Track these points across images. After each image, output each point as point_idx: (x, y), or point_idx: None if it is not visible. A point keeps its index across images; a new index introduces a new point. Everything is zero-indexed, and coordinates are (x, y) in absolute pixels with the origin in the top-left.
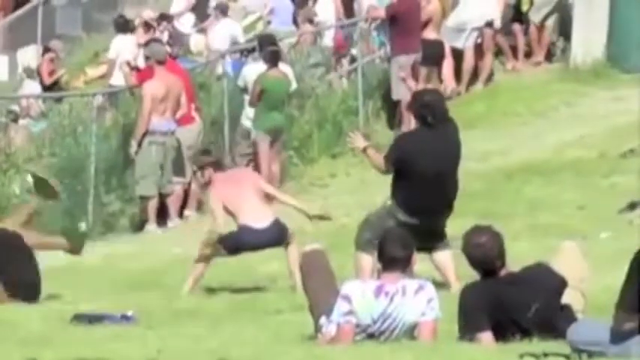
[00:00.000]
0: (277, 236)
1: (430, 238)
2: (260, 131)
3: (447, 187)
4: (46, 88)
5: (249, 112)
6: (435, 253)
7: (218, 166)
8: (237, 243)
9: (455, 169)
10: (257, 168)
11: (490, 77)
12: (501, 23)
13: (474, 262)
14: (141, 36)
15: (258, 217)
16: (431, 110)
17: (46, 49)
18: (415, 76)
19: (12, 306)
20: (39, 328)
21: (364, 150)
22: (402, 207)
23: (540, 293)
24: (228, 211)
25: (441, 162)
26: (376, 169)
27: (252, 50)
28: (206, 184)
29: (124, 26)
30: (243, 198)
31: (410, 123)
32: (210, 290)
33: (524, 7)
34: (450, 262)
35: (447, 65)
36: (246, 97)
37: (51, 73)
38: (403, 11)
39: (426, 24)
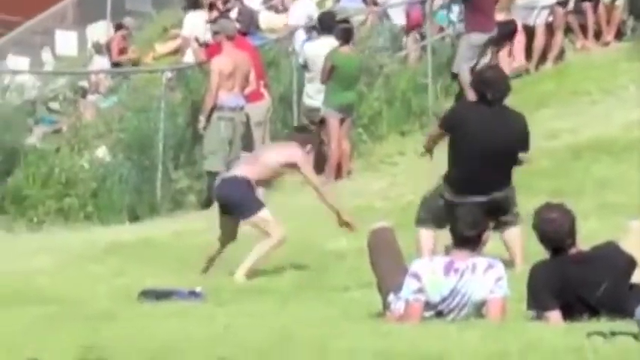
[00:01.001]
0: None
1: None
2: (330, 108)
3: (493, 168)
4: (115, 65)
5: (309, 90)
6: (505, 229)
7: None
8: None
9: (506, 151)
10: (322, 147)
11: (560, 56)
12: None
13: (545, 239)
14: (209, 12)
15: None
16: (490, 87)
17: (119, 26)
18: (485, 54)
19: (79, 278)
20: (105, 305)
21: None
22: (447, 185)
23: (609, 272)
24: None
25: (492, 139)
26: (432, 139)
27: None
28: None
29: (195, 2)
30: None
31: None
32: (278, 268)
33: None
34: (518, 240)
35: (519, 41)
36: (307, 75)
37: (122, 50)
38: None
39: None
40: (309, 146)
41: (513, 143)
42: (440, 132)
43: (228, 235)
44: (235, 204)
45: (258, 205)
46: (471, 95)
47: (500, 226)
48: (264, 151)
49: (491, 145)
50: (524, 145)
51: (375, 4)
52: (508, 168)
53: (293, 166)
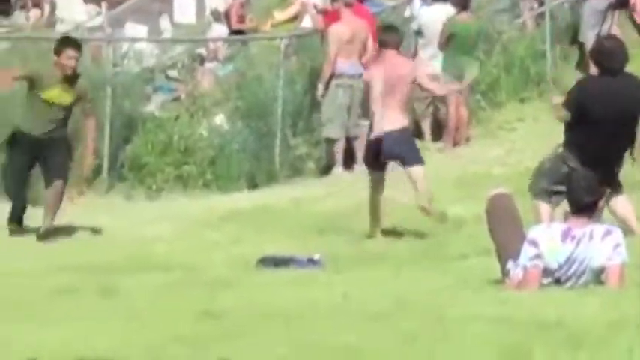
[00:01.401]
0: None
1: (603, 183)
2: (448, 76)
3: (620, 138)
4: (233, 32)
5: (424, 57)
6: (612, 200)
7: None
8: None
9: (632, 120)
10: (437, 112)
11: None
12: None
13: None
14: None
15: None
16: (609, 57)
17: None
18: (607, 19)
19: (198, 245)
20: (223, 273)
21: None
22: (573, 154)
23: None
24: None
25: (618, 110)
26: (559, 119)
27: None
28: None
29: None
30: None
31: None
32: (395, 234)
33: None
34: (628, 207)
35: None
36: (420, 41)
37: (240, 17)
38: None
39: None
40: None
41: (638, 110)
42: (568, 114)
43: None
44: None
45: None
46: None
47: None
48: None
49: (621, 116)
50: None
51: None
52: (633, 136)
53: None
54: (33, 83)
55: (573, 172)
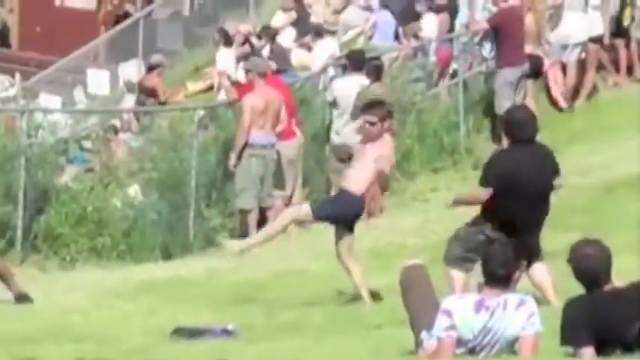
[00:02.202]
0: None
1: (522, 253)
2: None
3: (539, 206)
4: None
5: (337, 126)
6: (531, 268)
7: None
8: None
9: (547, 188)
10: None
11: (593, 93)
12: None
13: (580, 274)
14: (239, 50)
15: None
16: (520, 128)
17: (152, 67)
18: (520, 89)
19: (112, 315)
20: (139, 343)
21: (454, 203)
22: (491, 223)
23: None
24: None
25: (535, 180)
26: (474, 203)
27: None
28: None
29: (227, 40)
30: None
31: None
32: (310, 305)
33: (626, 22)
34: (547, 276)
35: (556, 83)
36: (335, 112)
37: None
38: (505, 21)
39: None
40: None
41: (552, 178)
42: (486, 188)
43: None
44: None
45: None
46: None
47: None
48: None
49: (538, 185)
50: (557, 173)
51: (416, 37)
52: (549, 204)
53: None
54: None
55: (490, 243)
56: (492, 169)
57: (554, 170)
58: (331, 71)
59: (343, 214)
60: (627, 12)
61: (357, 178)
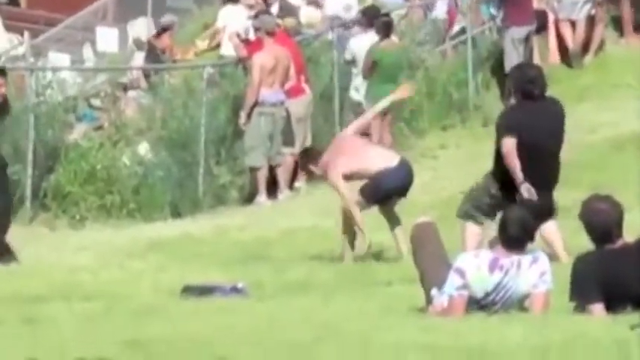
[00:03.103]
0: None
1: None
2: (372, 102)
3: (548, 163)
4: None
5: (357, 83)
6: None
7: (319, 155)
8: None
9: (559, 145)
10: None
11: (601, 48)
12: None
13: (592, 229)
14: (250, 7)
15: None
16: (534, 84)
17: (165, 28)
18: (529, 47)
19: (122, 274)
20: (148, 301)
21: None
22: (497, 181)
23: None
24: (356, 177)
25: (546, 136)
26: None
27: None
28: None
29: None
30: (363, 153)
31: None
32: (320, 261)
33: None
34: (557, 233)
35: (553, 39)
36: (354, 70)
37: (171, 48)
38: None
39: None
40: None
41: (562, 134)
42: (513, 140)
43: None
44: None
45: None
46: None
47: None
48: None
49: (547, 141)
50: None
51: None
52: (559, 160)
53: None
54: None
55: (509, 207)
56: (504, 124)
57: (564, 126)
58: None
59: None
60: None
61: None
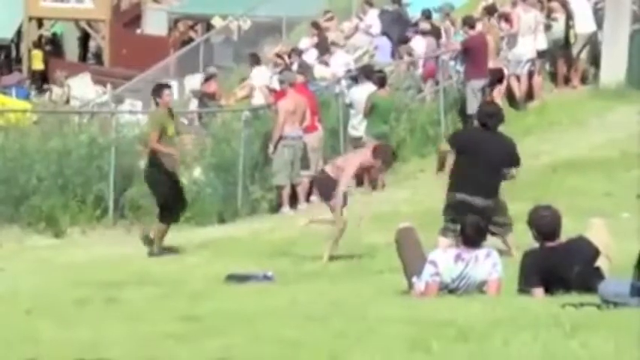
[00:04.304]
0: None
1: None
2: (370, 136)
3: (489, 175)
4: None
5: (354, 123)
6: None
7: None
8: None
9: (499, 164)
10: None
11: (539, 95)
12: (548, 56)
13: (539, 231)
14: (275, 66)
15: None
16: (490, 117)
17: (209, 76)
18: (485, 94)
19: (181, 265)
20: (201, 286)
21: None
22: (452, 188)
23: (581, 259)
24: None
25: (490, 154)
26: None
27: (356, 77)
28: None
29: (257, 61)
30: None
31: None
32: (330, 257)
33: (572, 40)
34: (513, 240)
35: (498, 90)
36: (352, 111)
37: (220, 94)
38: (474, 45)
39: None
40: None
41: (504, 159)
42: (449, 149)
43: None
44: None
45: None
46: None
47: (501, 232)
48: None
49: (489, 158)
50: (514, 161)
51: (410, 54)
52: (498, 179)
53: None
54: None
55: (467, 215)
56: (458, 135)
57: (510, 157)
58: (343, 82)
59: None
60: (571, 33)
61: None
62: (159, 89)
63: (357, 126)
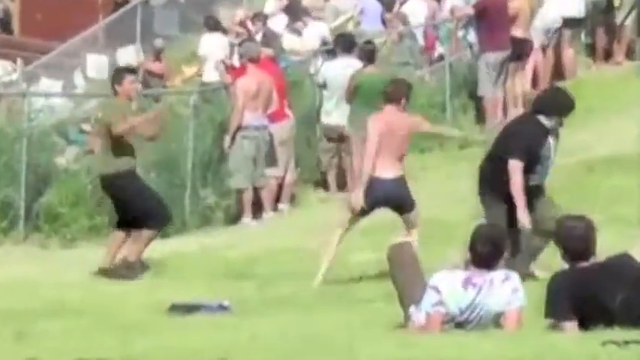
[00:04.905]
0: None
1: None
2: (353, 128)
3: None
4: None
5: (327, 108)
6: None
7: None
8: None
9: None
10: (342, 163)
11: (573, 74)
12: (584, 24)
13: (567, 247)
14: (234, 35)
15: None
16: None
17: (158, 52)
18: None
19: (111, 291)
20: (137, 318)
21: None
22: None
23: (625, 282)
24: None
25: None
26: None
27: (333, 50)
28: None
29: (215, 26)
30: None
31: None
32: (301, 280)
33: (616, 4)
34: None
35: (530, 67)
36: (325, 94)
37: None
38: (490, 6)
39: (512, 21)
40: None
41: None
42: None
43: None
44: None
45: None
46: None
47: None
48: None
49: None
50: None
51: (405, 23)
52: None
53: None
54: None
55: (478, 225)
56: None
57: None
58: (319, 56)
59: None
60: None
61: None
62: (119, 75)
63: (332, 111)
